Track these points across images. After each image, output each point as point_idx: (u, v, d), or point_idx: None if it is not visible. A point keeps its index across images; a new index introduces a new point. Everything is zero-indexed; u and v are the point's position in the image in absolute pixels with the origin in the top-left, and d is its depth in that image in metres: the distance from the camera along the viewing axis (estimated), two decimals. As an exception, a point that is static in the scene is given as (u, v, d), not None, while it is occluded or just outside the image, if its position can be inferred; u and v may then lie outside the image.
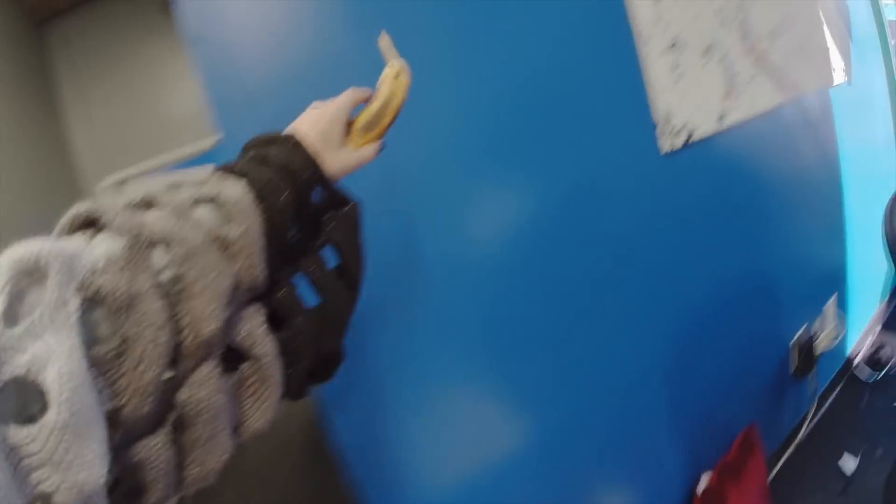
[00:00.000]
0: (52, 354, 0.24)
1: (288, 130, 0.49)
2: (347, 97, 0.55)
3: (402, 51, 0.58)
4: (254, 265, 0.37)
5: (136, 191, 0.35)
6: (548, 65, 1.06)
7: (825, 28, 1.88)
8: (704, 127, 1.31)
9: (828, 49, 1.88)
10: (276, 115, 0.60)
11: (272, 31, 0.79)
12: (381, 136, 0.58)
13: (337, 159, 0.50)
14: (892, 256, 1.62)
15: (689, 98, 1.29)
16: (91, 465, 0.24)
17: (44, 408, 0.24)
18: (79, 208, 0.32)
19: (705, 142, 1.31)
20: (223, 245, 0.35)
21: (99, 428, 0.26)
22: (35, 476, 0.23)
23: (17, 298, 0.25)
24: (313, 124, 0.50)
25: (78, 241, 0.30)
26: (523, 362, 0.99)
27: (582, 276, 1.08)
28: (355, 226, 0.50)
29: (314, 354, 0.43)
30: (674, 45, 1.28)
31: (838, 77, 1.91)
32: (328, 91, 0.63)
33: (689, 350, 1.27)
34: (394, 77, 0.59)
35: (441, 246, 0.91)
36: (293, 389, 0.42)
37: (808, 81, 1.73)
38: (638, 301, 1.17)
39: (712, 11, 1.41)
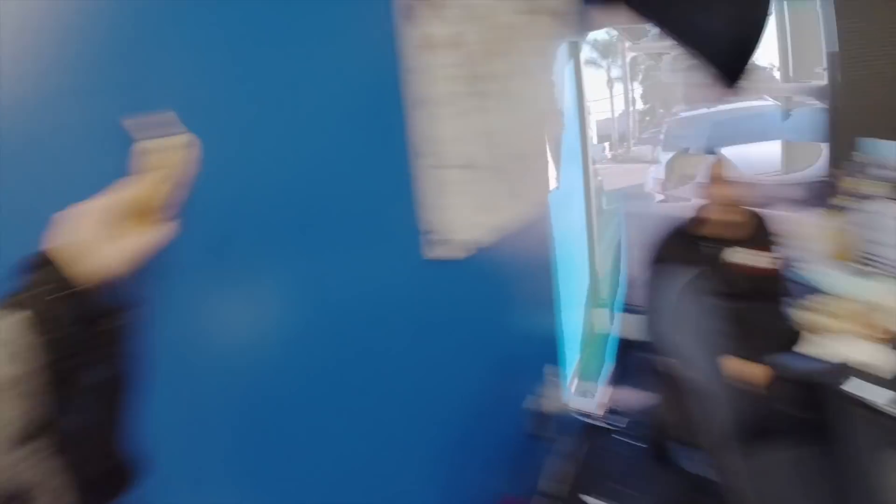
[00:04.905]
0: None
1: (49, 241, 0.47)
2: (118, 195, 0.52)
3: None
4: (40, 403, 0.39)
5: None
6: (326, 169, 1.03)
7: (547, 145, 2.33)
8: (464, 237, 1.46)
9: (548, 162, 2.33)
10: None
11: None
12: (162, 214, 0.54)
13: (111, 257, 0.48)
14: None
15: (453, 210, 1.42)
16: None
17: None
18: None
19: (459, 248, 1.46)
20: (13, 386, 0.38)
21: None
22: None
23: None
24: (77, 226, 0.47)
25: None
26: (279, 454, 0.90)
27: (331, 387, 1.05)
28: (122, 337, 0.49)
29: (84, 476, 0.43)
30: (441, 161, 1.40)
31: (552, 184, 2.39)
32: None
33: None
34: (164, 150, 0.56)
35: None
36: None
37: (538, 191, 2.11)
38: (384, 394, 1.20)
39: (472, 130, 1.60)
